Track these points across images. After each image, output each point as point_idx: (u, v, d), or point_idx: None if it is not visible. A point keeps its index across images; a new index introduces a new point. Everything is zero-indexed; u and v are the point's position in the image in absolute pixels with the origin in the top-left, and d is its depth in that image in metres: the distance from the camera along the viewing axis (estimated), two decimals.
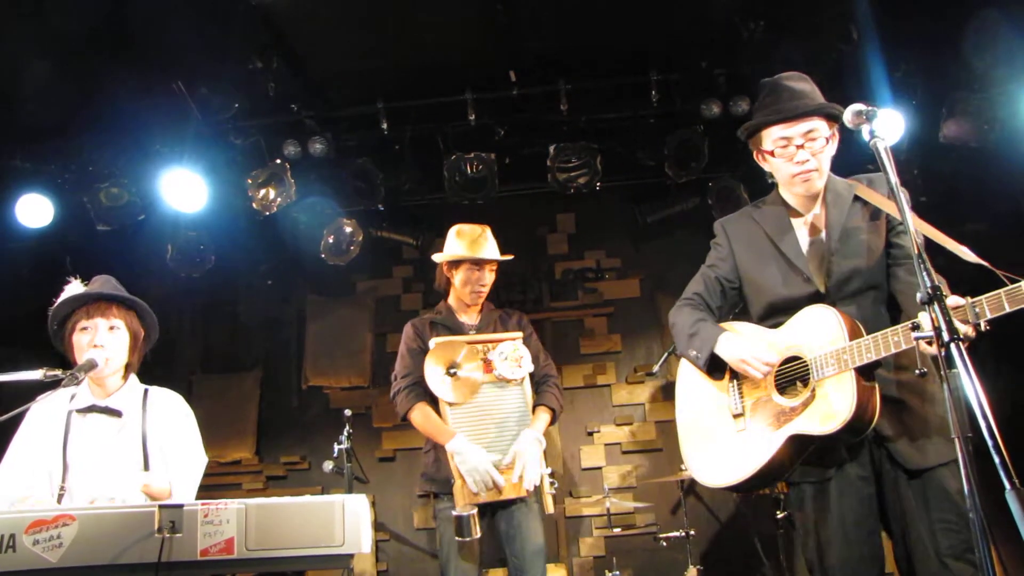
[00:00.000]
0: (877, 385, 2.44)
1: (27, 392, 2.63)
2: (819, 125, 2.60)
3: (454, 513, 3.41)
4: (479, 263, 3.84)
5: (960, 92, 4.77)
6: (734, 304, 2.94)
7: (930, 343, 1.81)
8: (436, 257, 3.96)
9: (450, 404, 3.63)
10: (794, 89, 2.65)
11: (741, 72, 5.11)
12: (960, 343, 1.72)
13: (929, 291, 1.82)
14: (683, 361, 2.94)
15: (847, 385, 2.41)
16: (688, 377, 2.93)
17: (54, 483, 2.79)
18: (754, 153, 2.78)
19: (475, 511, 3.39)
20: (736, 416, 2.71)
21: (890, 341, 2.33)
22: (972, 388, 1.67)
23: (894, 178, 2.07)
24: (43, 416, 2.88)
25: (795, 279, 2.66)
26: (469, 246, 3.86)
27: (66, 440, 2.84)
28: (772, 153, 2.65)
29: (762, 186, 5.39)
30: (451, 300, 3.94)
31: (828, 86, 4.98)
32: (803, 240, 2.71)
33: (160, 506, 2.03)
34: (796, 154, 2.60)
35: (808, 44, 4.88)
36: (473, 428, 3.63)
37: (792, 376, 2.60)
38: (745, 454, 2.63)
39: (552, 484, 3.62)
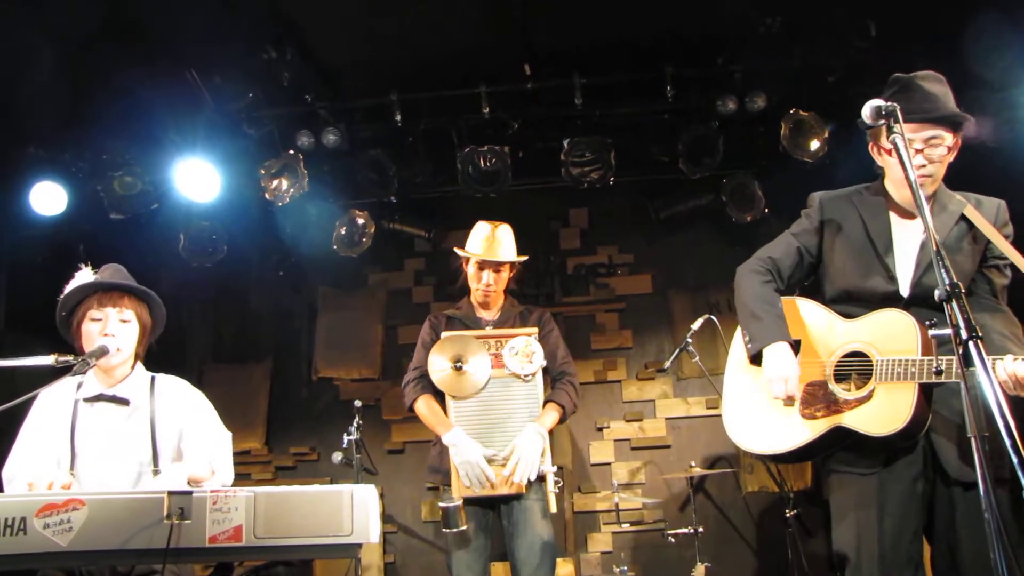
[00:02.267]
0: (934, 402, 2.44)
1: (39, 378, 2.64)
2: (944, 133, 2.54)
3: (440, 504, 3.42)
4: (483, 265, 3.84)
5: (978, 91, 4.72)
6: (806, 276, 2.87)
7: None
8: (458, 250, 3.97)
9: (453, 397, 3.62)
10: (927, 91, 2.57)
11: (757, 68, 5.08)
12: (979, 341, 1.69)
13: (947, 288, 1.80)
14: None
15: (908, 397, 2.39)
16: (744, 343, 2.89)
17: (63, 471, 2.80)
18: (869, 144, 2.72)
19: (460, 503, 3.38)
20: None
21: (963, 370, 2.30)
22: (990, 387, 1.65)
23: (913, 175, 2.05)
24: (51, 404, 2.89)
25: (880, 274, 2.62)
26: (478, 245, 3.87)
27: (74, 428, 2.85)
28: (890, 152, 2.57)
29: (777, 184, 5.38)
30: (472, 297, 3.95)
31: (845, 83, 4.98)
32: (898, 240, 2.66)
33: (169, 492, 2.03)
34: (914, 157, 2.53)
35: (825, 40, 4.85)
36: (476, 423, 3.62)
37: (852, 369, 2.57)
38: (788, 430, 2.63)
39: (557, 483, 3.57)
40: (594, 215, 6.19)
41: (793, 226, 2.90)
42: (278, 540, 2.05)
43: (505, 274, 3.90)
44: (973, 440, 1.66)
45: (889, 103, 2.18)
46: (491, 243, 3.87)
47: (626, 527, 5.10)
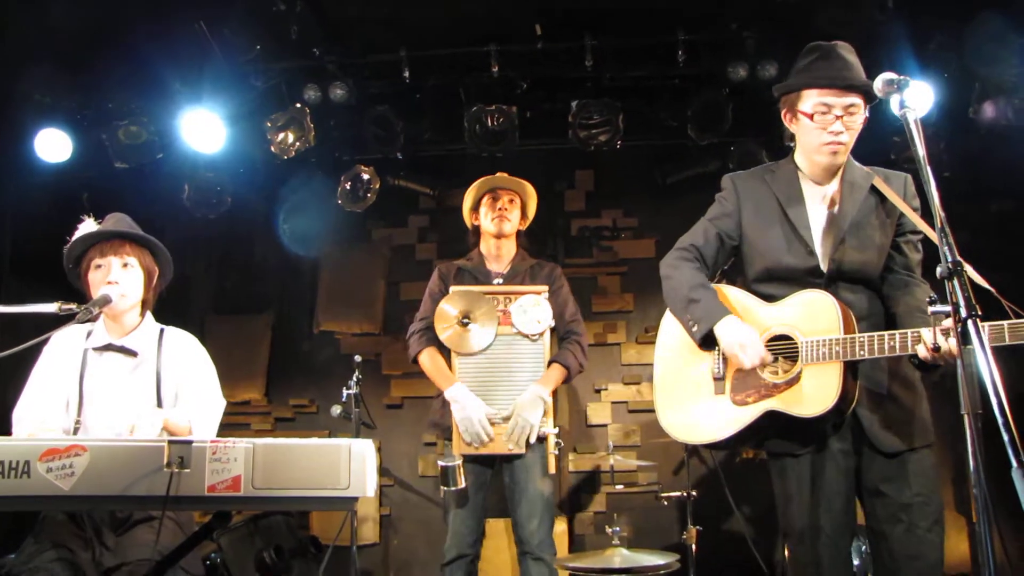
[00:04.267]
0: (859, 378, 2.52)
1: (44, 324, 2.66)
2: (860, 102, 2.58)
3: (439, 463, 3.44)
4: (493, 189, 3.94)
5: (994, 67, 4.66)
6: (728, 259, 2.92)
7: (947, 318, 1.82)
8: (469, 194, 4.07)
9: (458, 354, 3.63)
10: (846, 60, 2.62)
11: (770, 36, 5.02)
12: (978, 320, 1.71)
13: (950, 266, 1.81)
14: (668, 315, 2.91)
15: (834, 376, 2.45)
16: (672, 331, 2.90)
17: (70, 417, 2.85)
18: (782, 111, 2.74)
19: (460, 461, 3.41)
20: (717, 379, 2.73)
21: (884, 345, 2.38)
22: (986, 365, 1.66)
23: (922, 151, 2.04)
24: (61, 351, 2.93)
25: (799, 249, 2.65)
26: (482, 182, 3.99)
27: (82, 376, 2.90)
28: (811, 117, 2.61)
29: (786, 154, 5.30)
30: (482, 247, 3.96)
31: (859, 53, 4.92)
32: (813, 212, 2.69)
33: (169, 441, 2.06)
34: (833, 123, 2.57)
35: (841, 10, 4.78)
36: (480, 380, 3.63)
37: (778, 353, 2.62)
38: (721, 418, 2.68)
39: (558, 444, 3.60)
40: (600, 178, 6.16)
41: (709, 211, 2.95)
42: (276, 491, 2.08)
43: (517, 212, 3.95)
44: (967, 417, 1.68)
45: (902, 79, 2.16)
46: (497, 175, 4.01)
47: (620, 488, 5.15)
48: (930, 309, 1.94)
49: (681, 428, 2.79)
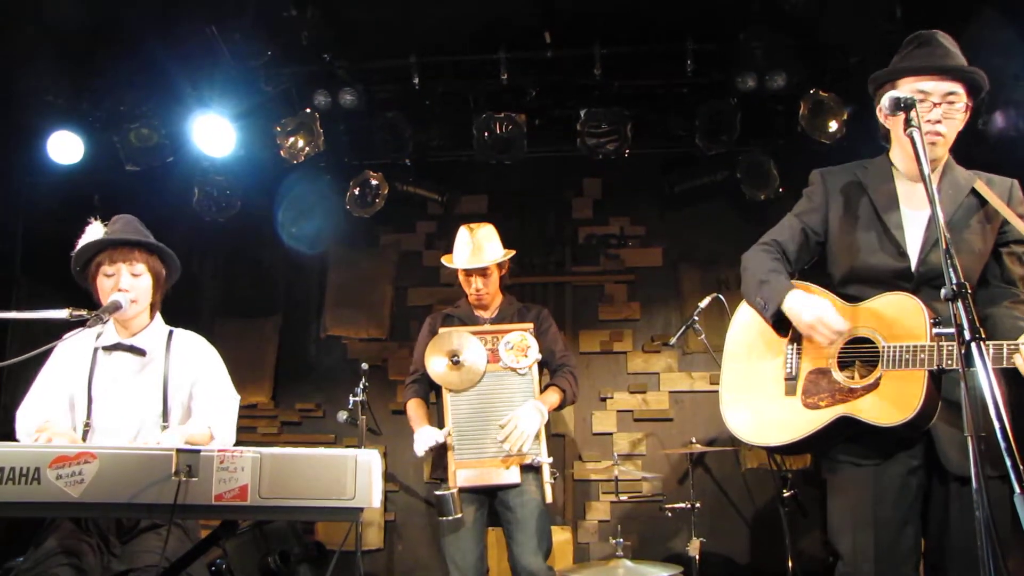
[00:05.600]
0: (941, 389, 2.37)
1: (58, 327, 2.68)
2: (961, 91, 2.46)
3: (436, 492, 3.48)
4: (469, 272, 3.92)
5: (1004, 79, 4.66)
6: (812, 256, 2.77)
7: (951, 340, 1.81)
8: (444, 260, 4.07)
9: (450, 391, 3.67)
10: (947, 48, 2.51)
11: (778, 46, 5.02)
12: (982, 343, 1.71)
13: (954, 288, 1.79)
14: (743, 307, 2.78)
15: (917, 385, 2.30)
16: (745, 324, 2.77)
17: (79, 418, 2.87)
18: (878, 105, 2.59)
19: (455, 491, 3.44)
20: (788, 379, 2.59)
21: (964, 370, 2.25)
22: (989, 388, 1.66)
23: (927, 170, 2.04)
24: (70, 351, 2.95)
25: (889, 249, 2.51)
26: (460, 254, 3.95)
27: (91, 376, 2.92)
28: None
29: (793, 164, 5.35)
30: (469, 297, 4.01)
31: (867, 64, 4.93)
32: (906, 213, 2.53)
33: (178, 450, 2.07)
34: (930, 111, 2.43)
35: (849, 21, 4.79)
36: (472, 415, 3.68)
37: (855, 356, 2.49)
38: (789, 421, 2.53)
39: (553, 474, 3.62)
40: (608, 186, 6.17)
41: (796, 207, 2.80)
42: (282, 501, 2.08)
43: (494, 275, 3.96)
44: (970, 440, 1.68)
45: (908, 96, 2.16)
46: (472, 249, 3.92)
47: (624, 498, 5.15)
48: (933, 331, 1.92)
49: (746, 428, 2.64)
